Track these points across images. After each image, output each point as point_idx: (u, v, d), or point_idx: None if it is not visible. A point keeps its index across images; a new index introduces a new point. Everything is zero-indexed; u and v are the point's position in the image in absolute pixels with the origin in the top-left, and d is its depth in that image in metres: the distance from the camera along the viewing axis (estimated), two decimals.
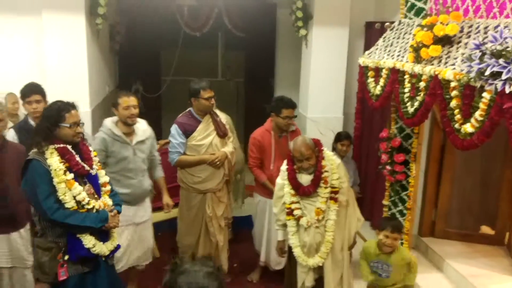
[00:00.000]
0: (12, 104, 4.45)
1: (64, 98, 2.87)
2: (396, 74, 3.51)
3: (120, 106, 3.48)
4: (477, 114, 2.59)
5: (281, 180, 3.36)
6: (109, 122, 3.56)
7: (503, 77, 2.33)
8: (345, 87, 5.48)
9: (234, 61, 8.43)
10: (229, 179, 4.11)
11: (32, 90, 3.69)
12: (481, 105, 2.55)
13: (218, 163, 3.85)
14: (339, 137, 4.66)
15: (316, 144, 3.25)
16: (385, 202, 4.43)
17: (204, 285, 1.27)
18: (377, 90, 3.82)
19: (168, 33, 7.08)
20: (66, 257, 2.70)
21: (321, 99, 5.49)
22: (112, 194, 2.98)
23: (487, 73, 2.42)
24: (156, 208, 4.18)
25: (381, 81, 3.75)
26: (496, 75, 2.39)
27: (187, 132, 3.84)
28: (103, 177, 2.93)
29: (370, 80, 3.94)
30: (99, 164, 2.94)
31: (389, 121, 4.20)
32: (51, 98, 4.74)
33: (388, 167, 4.15)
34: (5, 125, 3.14)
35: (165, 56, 7.82)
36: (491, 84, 2.44)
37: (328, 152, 3.34)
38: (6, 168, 3.07)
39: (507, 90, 2.33)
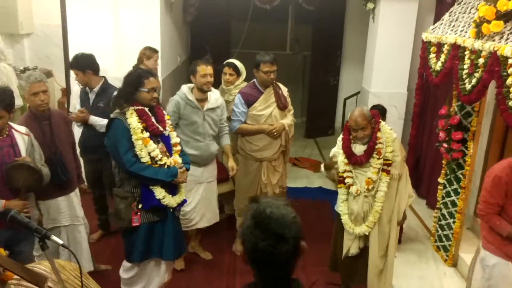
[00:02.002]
0: None
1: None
2: (456, 50, 3.46)
3: (198, 74, 3.71)
4: None
5: (336, 149, 3.47)
6: (185, 87, 3.83)
7: None
8: (411, 63, 5.40)
9: (302, 34, 8.46)
10: (286, 150, 4.24)
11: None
12: None
13: (275, 133, 4.02)
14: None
15: (373, 116, 3.30)
16: (440, 180, 4.40)
17: (286, 212, 1.40)
18: (438, 66, 3.77)
19: (238, 6, 7.27)
20: (140, 206, 3.06)
21: (385, 74, 5.46)
22: (182, 154, 3.29)
23: None
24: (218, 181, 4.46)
25: (442, 57, 3.70)
26: None
27: (249, 102, 4.02)
28: (175, 138, 3.25)
29: (432, 55, 3.89)
30: (171, 126, 3.26)
31: (449, 98, 4.12)
32: (126, 68, 5.19)
33: (445, 145, 4.11)
34: (49, 96, 3.36)
35: (235, 29, 8.04)
36: None
37: (385, 126, 3.38)
38: (57, 136, 3.34)
39: None
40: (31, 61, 6.39)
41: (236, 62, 4.54)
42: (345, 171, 3.37)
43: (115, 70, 5.01)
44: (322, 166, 3.66)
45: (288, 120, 4.15)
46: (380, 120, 3.35)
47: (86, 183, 4.01)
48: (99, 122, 3.97)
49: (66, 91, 5.24)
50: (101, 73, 4.92)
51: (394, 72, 5.40)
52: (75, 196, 3.53)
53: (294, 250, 1.39)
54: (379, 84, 5.50)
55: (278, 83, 4.15)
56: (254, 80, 4.10)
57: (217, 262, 4.19)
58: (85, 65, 4.00)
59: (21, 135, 2.92)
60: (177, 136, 3.31)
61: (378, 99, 5.43)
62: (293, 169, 6.60)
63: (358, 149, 3.32)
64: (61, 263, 1.94)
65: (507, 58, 2.77)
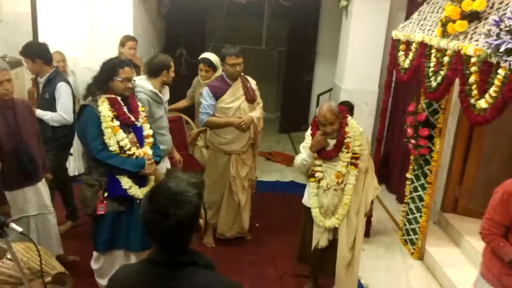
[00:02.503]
0: (57, 62, 4.78)
1: None
2: (424, 48, 3.54)
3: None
4: (492, 90, 2.63)
5: (305, 144, 3.51)
6: (146, 83, 3.65)
7: None
8: (383, 61, 5.49)
9: (278, 30, 8.50)
10: (255, 143, 4.27)
11: None
12: (496, 81, 2.59)
13: (244, 126, 4.04)
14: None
15: (341, 111, 3.36)
16: (408, 175, 4.51)
17: (183, 189, 1.44)
18: (406, 63, 3.86)
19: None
20: (106, 194, 3.06)
21: (357, 70, 5.54)
22: (155, 147, 3.28)
23: (502, 49, 2.45)
24: None
25: (410, 55, 3.78)
26: (510, 52, 2.42)
27: (217, 95, 4.03)
28: (147, 130, 3.24)
29: (401, 53, 3.98)
30: (145, 118, 3.25)
31: (417, 96, 4.22)
32: (98, 57, 5.12)
33: (412, 141, 4.20)
34: (13, 86, 3.24)
35: (210, 22, 8.02)
36: (506, 61, 2.47)
37: (352, 120, 3.45)
38: (22, 126, 3.26)
39: None
40: (0, 50, 6.22)
41: (211, 57, 4.51)
42: (315, 165, 3.42)
43: (87, 59, 4.95)
44: (302, 150, 3.52)
45: (257, 113, 4.17)
46: (347, 115, 3.42)
47: None
48: (43, 116, 3.90)
49: (36, 81, 5.13)
50: (73, 63, 4.88)
51: (366, 69, 5.49)
52: (42, 185, 3.48)
53: (177, 227, 1.42)
54: (351, 81, 5.58)
55: (246, 76, 4.17)
56: (222, 73, 4.11)
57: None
58: (34, 53, 3.94)
59: None
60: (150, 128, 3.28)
61: (350, 96, 5.51)
62: (266, 163, 6.65)
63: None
64: (27, 244, 1.99)
65: (470, 57, 2.86)
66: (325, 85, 7.28)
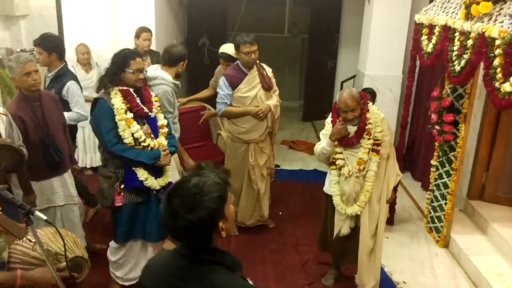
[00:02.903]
0: (82, 54, 4.87)
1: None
2: (447, 32, 3.46)
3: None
4: None
5: (326, 131, 3.48)
6: (165, 74, 3.64)
7: None
8: (407, 46, 5.38)
9: (300, 17, 8.42)
10: (272, 131, 4.25)
11: None
12: None
13: (261, 115, 4.03)
14: None
15: (362, 97, 3.32)
16: (433, 162, 4.43)
17: (202, 191, 1.40)
18: (429, 47, 3.77)
19: None
20: (122, 186, 3.06)
21: (380, 56, 5.45)
22: (170, 137, 3.27)
23: None
24: None
25: (433, 39, 3.70)
26: None
27: (234, 84, 4.02)
28: (162, 120, 3.22)
29: (424, 37, 3.89)
30: (158, 108, 3.23)
31: (441, 81, 4.13)
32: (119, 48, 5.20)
33: (437, 127, 4.13)
34: (40, 76, 3.31)
35: (231, 11, 7.99)
36: None
37: (373, 106, 3.40)
38: (49, 117, 3.33)
39: None
40: (27, 43, 6.37)
41: (229, 50, 4.45)
42: (336, 153, 3.39)
43: (110, 52, 5.01)
44: (322, 138, 3.49)
45: (273, 101, 4.15)
46: (368, 101, 3.37)
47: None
48: None
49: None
50: (96, 55, 4.96)
51: (389, 55, 5.40)
52: (68, 176, 3.56)
53: (187, 230, 1.40)
54: (374, 67, 5.50)
55: (262, 64, 4.14)
56: (238, 61, 4.09)
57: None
58: (52, 46, 3.87)
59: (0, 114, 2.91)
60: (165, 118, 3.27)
61: (373, 82, 5.45)
62: (289, 152, 6.65)
63: (349, 130, 3.34)
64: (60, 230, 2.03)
65: (494, 39, 2.78)
66: (349, 71, 7.19)
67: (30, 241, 1.74)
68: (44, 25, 6.35)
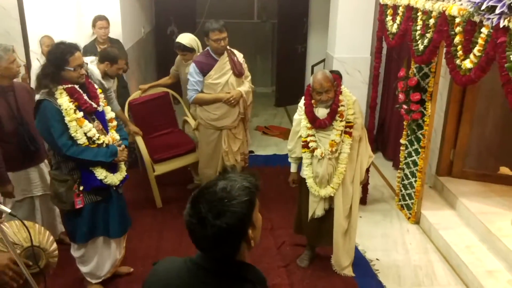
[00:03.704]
0: (46, 47, 4.75)
1: None
2: (410, 11, 3.51)
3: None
4: (476, 50, 2.62)
5: (298, 115, 3.50)
6: (95, 69, 3.91)
7: (497, 11, 2.34)
8: (374, 27, 5.42)
9: (269, 2, 8.39)
10: (245, 117, 4.26)
11: None
12: (479, 40, 2.57)
13: (233, 101, 4.03)
14: None
15: (335, 79, 3.35)
16: (402, 141, 4.52)
17: (230, 196, 1.30)
18: (394, 28, 3.83)
19: None
20: (81, 188, 2.94)
21: (348, 39, 5.48)
22: (118, 129, 3.17)
23: (483, 7, 2.43)
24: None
25: (398, 19, 3.75)
26: (492, 9, 2.40)
27: (204, 71, 4.00)
28: (109, 113, 3.10)
29: (389, 18, 3.94)
30: (104, 101, 3.10)
31: (407, 60, 4.20)
32: (85, 37, 5.09)
33: (404, 106, 4.21)
34: (18, 65, 3.32)
35: None
36: (488, 19, 2.45)
37: (345, 89, 3.43)
38: (22, 107, 3.30)
39: (501, 24, 2.35)
40: None
41: (183, 40, 4.45)
42: (308, 135, 3.41)
43: (74, 40, 4.91)
44: (294, 124, 3.61)
45: (245, 87, 4.15)
46: (341, 84, 3.41)
47: None
48: None
49: (27, 67, 5.12)
50: None
51: (357, 37, 5.43)
52: (45, 166, 3.53)
53: (215, 237, 1.29)
54: (342, 50, 5.53)
55: (233, 50, 4.13)
56: (208, 48, 4.05)
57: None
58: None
59: None
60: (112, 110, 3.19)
61: (342, 64, 5.48)
62: (263, 137, 6.67)
63: (321, 112, 3.36)
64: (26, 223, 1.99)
65: (454, 17, 2.84)
66: (319, 55, 7.21)
67: None
68: (7, 17, 6.17)
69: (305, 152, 3.47)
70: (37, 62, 4.68)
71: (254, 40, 8.64)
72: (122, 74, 5.07)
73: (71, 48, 2.80)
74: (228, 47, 4.06)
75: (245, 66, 4.19)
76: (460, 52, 2.80)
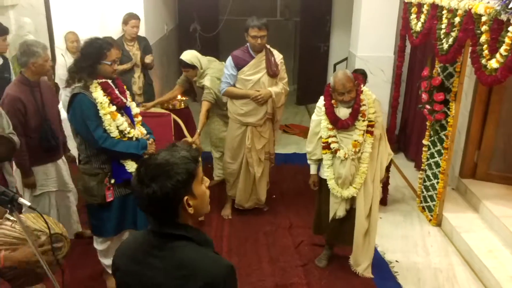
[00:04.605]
0: (71, 43, 4.84)
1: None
2: (435, 10, 3.44)
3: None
4: (502, 49, 2.55)
5: (317, 116, 3.46)
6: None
7: None
8: (398, 26, 5.34)
9: (292, 0, 8.35)
10: (273, 118, 4.22)
11: None
12: (506, 39, 2.51)
13: (260, 100, 4.02)
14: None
15: (356, 78, 3.31)
16: (424, 141, 4.44)
17: (168, 162, 1.42)
18: (418, 26, 3.76)
19: None
20: (112, 181, 2.99)
21: (371, 37, 5.42)
22: (143, 124, 3.23)
23: (511, 5, 2.37)
24: None
25: (422, 17, 3.68)
26: None
27: (239, 66, 4.00)
28: (135, 109, 3.18)
29: (413, 16, 3.88)
30: (130, 96, 3.18)
31: (431, 60, 4.12)
32: (110, 34, 5.14)
33: (428, 106, 4.13)
34: (50, 64, 3.43)
35: None
36: None
37: (365, 88, 3.39)
38: (47, 103, 3.37)
39: None
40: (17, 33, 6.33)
41: (185, 57, 4.35)
42: (329, 136, 3.38)
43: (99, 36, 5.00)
44: (311, 125, 3.57)
45: (277, 88, 4.11)
46: (361, 83, 3.36)
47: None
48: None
49: (52, 62, 5.23)
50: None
51: (380, 36, 5.37)
52: (62, 163, 3.59)
53: (151, 199, 1.40)
54: (365, 48, 5.47)
55: (272, 49, 4.11)
56: (248, 44, 4.04)
57: (205, 225, 4.25)
58: None
59: None
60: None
61: (365, 63, 5.42)
62: (284, 136, 6.65)
63: (343, 113, 3.32)
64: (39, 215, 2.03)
65: (480, 16, 2.77)
66: (342, 54, 7.15)
67: (8, 219, 1.74)
68: (34, 14, 6.30)
69: (326, 153, 3.43)
70: (62, 57, 4.77)
71: (276, 38, 8.53)
72: (147, 71, 5.13)
73: (108, 44, 2.89)
74: (268, 46, 4.05)
75: (282, 68, 4.15)
76: (486, 52, 2.74)
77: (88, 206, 3.16)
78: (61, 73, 4.70)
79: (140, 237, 1.56)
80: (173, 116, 4.49)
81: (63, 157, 3.65)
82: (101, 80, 2.89)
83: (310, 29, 7.66)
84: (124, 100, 3.02)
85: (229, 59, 4.04)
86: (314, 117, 3.49)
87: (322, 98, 3.43)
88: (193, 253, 1.44)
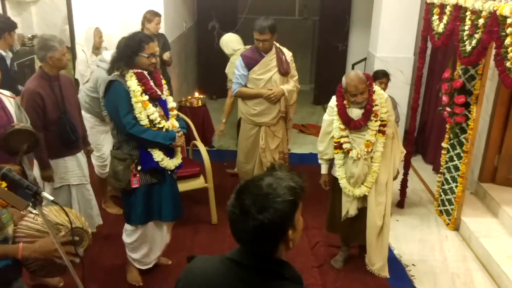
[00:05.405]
0: (99, 38, 4.88)
1: None
2: (458, 11, 3.39)
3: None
4: None
5: (329, 116, 3.46)
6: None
7: None
8: (418, 27, 5.28)
9: None
10: (286, 116, 4.21)
11: None
12: None
13: (273, 98, 4.01)
14: (376, 76, 4.44)
15: (367, 78, 3.29)
16: (444, 144, 4.39)
17: (275, 192, 1.29)
18: (440, 28, 3.71)
19: None
20: (139, 168, 3.08)
21: (391, 38, 5.37)
22: (178, 118, 3.32)
23: None
24: None
25: (444, 19, 3.63)
26: None
27: (249, 66, 4.01)
28: (171, 103, 3.26)
29: (435, 17, 3.83)
30: (167, 91, 3.27)
31: (452, 62, 4.06)
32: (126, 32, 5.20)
33: (448, 109, 4.07)
34: (68, 57, 3.47)
35: None
36: None
37: (376, 87, 3.38)
38: (66, 97, 3.41)
39: None
40: (38, 29, 6.42)
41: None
42: (341, 136, 3.37)
43: (119, 35, 5.03)
44: (323, 125, 3.56)
45: (289, 86, 4.10)
46: (372, 83, 3.35)
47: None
48: None
49: (72, 58, 5.28)
50: (106, 39, 4.95)
51: (400, 36, 5.31)
52: (82, 156, 3.63)
53: (256, 232, 1.28)
54: (385, 49, 5.42)
55: (282, 48, 4.10)
56: None
57: (221, 224, 4.26)
58: None
59: (7, 97, 2.96)
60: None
61: (384, 64, 5.36)
62: (300, 136, 6.63)
63: (355, 113, 3.31)
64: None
65: (505, 17, 2.72)
66: (360, 54, 7.10)
67: (31, 212, 1.77)
68: (55, 10, 6.40)
69: (337, 153, 3.43)
70: (82, 53, 4.81)
71: (294, 37, 8.57)
72: (166, 68, 5.15)
73: (148, 37, 3.04)
74: (277, 44, 4.05)
75: (293, 65, 4.14)
76: (511, 54, 2.68)
77: (122, 195, 3.26)
78: (81, 69, 4.74)
79: (220, 267, 1.39)
80: (181, 115, 4.51)
81: (82, 151, 3.67)
82: (136, 70, 3.00)
83: (329, 28, 7.62)
84: (159, 93, 3.10)
85: (240, 60, 4.05)
86: (326, 116, 3.49)
87: (334, 98, 3.43)
88: None
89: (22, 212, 1.88)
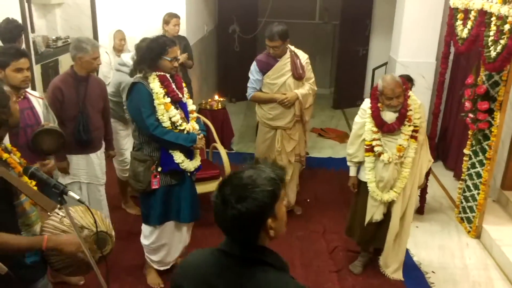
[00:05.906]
0: (119, 41, 4.95)
1: None
2: (483, 16, 3.35)
3: None
4: None
5: (361, 119, 3.44)
6: None
7: None
8: (441, 32, 5.24)
9: (331, 3, 8.30)
10: (302, 119, 4.20)
11: None
12: None
13: (287, 103, 4.01)
14: None
15: (404, 83, 3.28)
16: (466, 151, 4.33)
17: (254, 183, 1.34)
18: (464, 33, 3.67)
19: None
20: (159, 169, 3.11)
21: (413, 42, 5.33)
22: (198, 121, 3.34)
23: None
24: None
25: (469, 24, 3.60)
26: None
27: (263, 70, 4.02)
28: (191, 106, 3.30)
29: (459, 22, 3.79)
30: (188, 94, 3.31)
31: (476, 67, 4.01)
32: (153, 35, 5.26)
33: (471, 115, 4.02)
34: (99, 62, 3.51)
35: None
36: None
37: (411, 92, 3.37)
38: (89, 98, 3.46)
39: None
40: (62, 31, 6.55)
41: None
42: (373, 139, 3.35)
43: (142, 35, 5.10)
44: (354, 127, 3.54)
45: (303, 90, 4.08)
46: (408, 87, 3.34)
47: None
48: None
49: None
50: (128, 42, 5.01)
51: (422, 41, 5.26)
52: (96, 157, 3.63)
53: (235, 221, 1.34)
54: (406, 54, 5.38)
55: (296, 51, 4.09)
56: None
57: None
58: None
59: (36, 98, 3.02)
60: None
61: (405, 69, 5.32)
62: (319, 140, 6.62)
63: (389, 116, 3.29)
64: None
65: None
66: (381, 58, 7.07)
67: (58, 214, 1.80)
68: (80, 13, 6.52)
69: (368, 156, 3.41)
70: (106, 55, 4.89)
71: (314, 41, 8.58)
72: (186, 70, 5.20)
73: (171, 41, 3.07)
74: (292, 47, 4.05)
75: (309, 68, 4.12)
76: None
77: (140, 195, 3.30)
78: (105, 71, 4.82)
79: (210, 258, 1.46)
80: (202, 118, 4.52)
81: (98, 152, 3.67)
82: (159, 73, 3.04)
83: (349, 32, 7.60)
84: (180, 95, 3.13)
85: (254, 64, 4.07)
86: (357, 119, 3.47)
87: (367, 100, 3.41)
88: (276, 280, 1.38)
89: (48, 213, 1.92)
